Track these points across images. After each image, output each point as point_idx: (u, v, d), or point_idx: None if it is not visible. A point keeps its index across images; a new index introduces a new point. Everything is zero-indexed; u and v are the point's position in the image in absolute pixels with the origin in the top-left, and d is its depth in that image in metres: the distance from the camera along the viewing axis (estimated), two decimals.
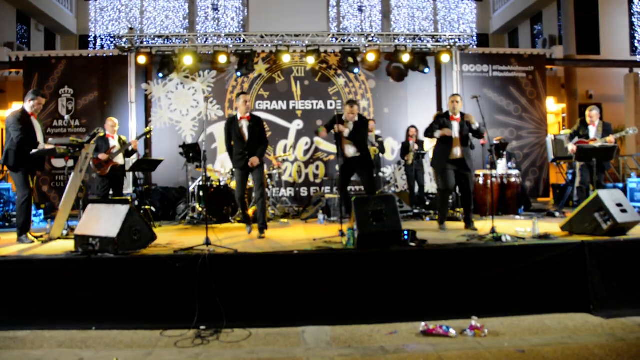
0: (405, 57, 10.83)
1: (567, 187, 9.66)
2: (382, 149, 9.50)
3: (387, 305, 4.64)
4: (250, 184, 6.85)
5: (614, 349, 3.86)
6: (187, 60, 10.51)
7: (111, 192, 7.66)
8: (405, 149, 9.38)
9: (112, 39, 17.96)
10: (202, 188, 8.48)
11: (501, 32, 19.94)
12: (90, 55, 11.43)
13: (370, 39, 11.43)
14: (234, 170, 6.29)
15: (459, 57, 11.16)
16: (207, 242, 5.01)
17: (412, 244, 4.99)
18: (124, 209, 4.87)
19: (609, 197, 5.38)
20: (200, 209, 8.47)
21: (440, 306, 4.65)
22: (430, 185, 10.68)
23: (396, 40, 11.19)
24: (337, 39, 11.17)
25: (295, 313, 4.56)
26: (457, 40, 11.11)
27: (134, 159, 8.40)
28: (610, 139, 7.45)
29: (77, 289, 4.54)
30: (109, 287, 4.56)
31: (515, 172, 8.84)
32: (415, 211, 8.88)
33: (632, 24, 16.54)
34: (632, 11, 16.57)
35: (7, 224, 8.43)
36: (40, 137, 6.11)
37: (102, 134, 7.31)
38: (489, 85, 11.29)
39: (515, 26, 19.38)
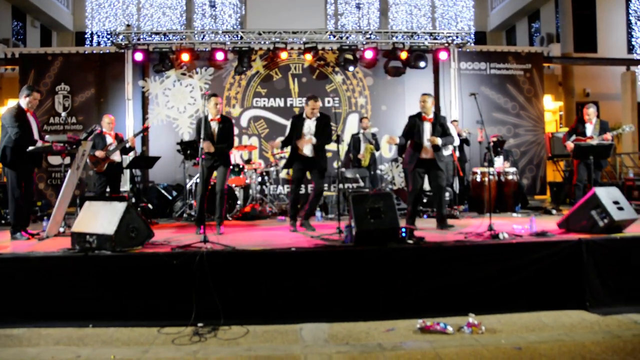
0: (403, 55, 10.83)
1: (564, 185, 9.69)
2: (377, 147, 9.51)
3: (385, 303, 4.64)
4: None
5: (610, 345, 3.87)
6: (184, 57, 10.49)
7: (108, 189, 7.66)
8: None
9: (108, 36, 17.93)
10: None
11: (499, 30, 19.95)
12: (86, 52, 11.36)
13: (367, 36, 11.42)
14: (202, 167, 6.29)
15: (456, 55, 11.16)
16: (205, 240, 5.00)
17: (410, 242, 4.99)
18: (121, 206, 4.86)
19: (606, 194, 5.38)
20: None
21: (438, 303, 4.65)
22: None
23: (394, 38, 11.19)
24: (334, 36, 11.17)
25: (292, 310, 4.56)
26: (454, 37, 11.11)
27: (131, 155, 8.38)
28: (607, 137, 7.47)
29: (74, 286, 4.53)
30: (106, 284, 4.54)
31: (513, 169, 8.86)
32: None
33: (629, 22, 16.56)
34: (630, 9, 16.60)
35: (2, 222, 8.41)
36: (36, 133, 6.09)
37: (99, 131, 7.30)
38: (486, 82, 11.29)
39: (513, 24, 19.40)
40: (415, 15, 19.14)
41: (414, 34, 11.23)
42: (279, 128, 10.92)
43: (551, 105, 15.20)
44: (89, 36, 18.37)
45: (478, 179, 8.64)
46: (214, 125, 6.42)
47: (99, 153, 7.35)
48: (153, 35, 10.99)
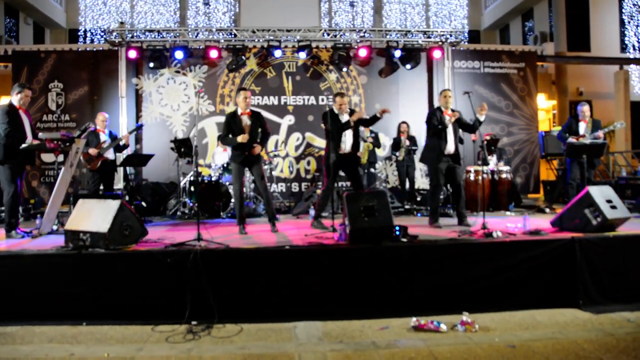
0: (397, 53, 10.83)
1: (558, 183, 9.73)
2: (377, 144, 9.51)
3: (379, 301, 4.65)
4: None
5: (602, 343, 3.90)
6: (178, 54, 10.45)
7: (102, 187, 7.63)
8: (396, 144, 9.37)
9: (102, 33, 17.82)
10: (193, 183, 8.45)
11: (492, 29, 19.99)
12: (80, 50, 11.26)
13: (361, 34, 11.42)
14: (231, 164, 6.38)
15: (450, 53, 11.17)
16: (199, 238, 4.99)
17: (404, 240, 5.01)
18: (114, 204, 4.85)
19: (599, 193, 5.41)
20: (191, 204, 8.45)
21: (432, 302, 4.68)
22: (421, 181, 10.71)
23: (388, 36, 11.20)
24: (328, 35, 11.15)
25: (286, 308, 4.57)
26: (448, 36, 11.12)
27: (125, 153, 8.35)
28: (599, 134, 7.52)
29: (67, 284, 4.52)
30: (99, 282, 4.53)
31: (506, 168, 8.88)
32: (407, 207, 8.90)
33: (622, 22, 16.65)
34: (622, 9, 16.68)
35: None
36: (29, 131, 6.06)
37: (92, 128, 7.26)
38: (480, 81, 11.31)
39: (507, 23, 19.45)
40: (409, 13, 19.16)
41: (408, 33, 11.23)
42: (273, 126, 10.89)
43: (544, 104, 15.27)
44: (82, 33, 18.24)
45: (472, 178, 8.66)
46: (245, 119, 6.45)
47: (93, 151, 7.32)
48: (147, 33, 10.92)
